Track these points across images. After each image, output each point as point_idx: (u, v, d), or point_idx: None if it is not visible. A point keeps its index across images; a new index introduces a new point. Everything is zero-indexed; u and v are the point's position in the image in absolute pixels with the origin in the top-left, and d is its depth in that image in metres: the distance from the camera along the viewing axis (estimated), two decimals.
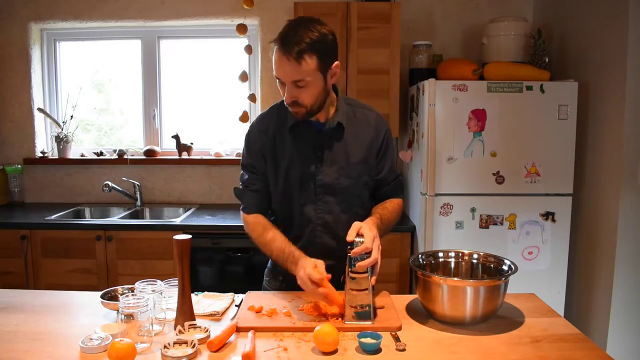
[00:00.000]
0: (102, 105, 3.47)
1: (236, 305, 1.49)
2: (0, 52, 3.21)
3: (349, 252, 1.35)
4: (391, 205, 1.63)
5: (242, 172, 1.66)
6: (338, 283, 1.40)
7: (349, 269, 1.34)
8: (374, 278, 1.35)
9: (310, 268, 1.37)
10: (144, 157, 3.24)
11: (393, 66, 2.78)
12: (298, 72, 1.40)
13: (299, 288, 1.54)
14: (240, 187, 1.66)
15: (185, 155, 3.24)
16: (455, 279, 1.36)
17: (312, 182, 1.56)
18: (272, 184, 1.61)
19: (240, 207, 1.66)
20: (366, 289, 1.34)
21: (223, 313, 1.44)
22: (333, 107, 1.57)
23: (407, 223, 2.76)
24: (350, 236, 1.36)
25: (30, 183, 3.31)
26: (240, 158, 3.44)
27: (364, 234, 1.36)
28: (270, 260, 1.74)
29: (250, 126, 1.66)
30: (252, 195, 1.62)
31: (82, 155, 3.33)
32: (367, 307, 1.34)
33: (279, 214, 1.64)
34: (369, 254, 1.34)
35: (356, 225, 1.38)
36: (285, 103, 1.50)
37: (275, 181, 1.60)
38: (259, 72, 3.20)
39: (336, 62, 1.47)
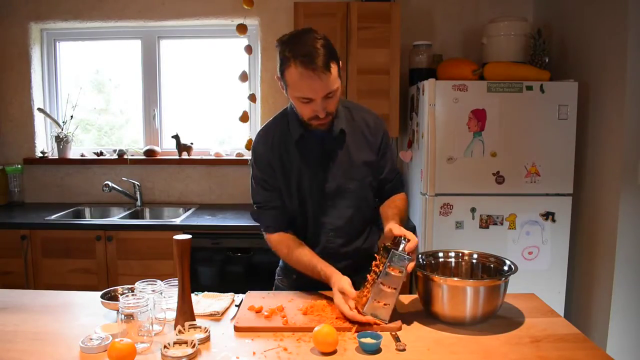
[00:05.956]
0: (102, 105, 3.47)
1: (236, 305, 1.49)
2: (0, 52, 3.21)
3: (388, 246, 1.35)
4: (400, 202, 1.65)
5: (253, 191, 1.63)
6: (355, 284, 1.41)
7: (388, 264, 1.32)
8: (412, 264, 1.33)
9: (340, 299, 1.37)
10: (144, 157, 3.24)
11: (393, 66, 2.78)
12: (329, 84, 1.38)
13: (312, 287, 1.56)
14: (255, 208, 1.63)
15: (185, 155, 3.23)
16: (455, 279, 1.36)
17: (322, 189, 1.57)
18: (286, 196, 1.60)
19: (261, 229, 1.64)
20: (395, 289, 1.33)
21: (223, 313, 1.44)
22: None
23: (407, 223, 2.75)
24: (398, 230, 1.36)
25: (30, 183, 3.31)
26: (240, 158, 3.45)
27: (406, 234, 1.35)
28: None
29: (255, 142, 1.63)
30: (270, 213, 1.60)
31: (82, 155, 3.33)
32: (388, 306, 1.33)
33: (298, 222, 1.63)
34: (409, 254, 1.33)
35: (391, 225, 1.39)
36: (309, 120, 1.47)
37: (288, 193, 1.59)
38: (259, 72, 3.20)
39: (340, 62, 1.48)
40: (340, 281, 1.40)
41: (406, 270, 1.32)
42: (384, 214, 1.60)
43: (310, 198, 1.58)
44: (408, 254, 1.32)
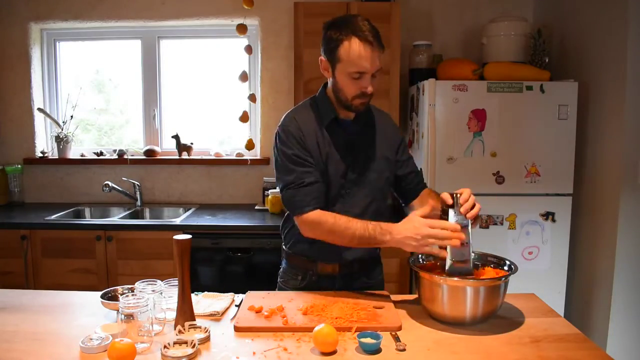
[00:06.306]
0: (102, 105, 3.47)
1: (236, 305, 1.49)
2: (0, 52, 3.21)
3: (445, 207, 1.39)
4: (431, 192, 1.70)
5: (281, 172, 1.55)
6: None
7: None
8: (474, 211, 1.39)
9: (423, 224, 1.37)
10: (144, 157, 3.24)
11: (393, 66, 2.77)
12: (380, 60, 1.49)
13: (320, 287, 1.58)
14: (287, 189, 1.52)
15: (185, 155, 3.23)
16: (455, 278, 1.36)
17: (344, 177, 1.59)
18: None
19: (296, 213, 1.51)
20: (467, 243, 1.36)
21: (223, 313, 1.44)
22: None
23: None
24: (448, 198, 1.39)
25: (30, 183, 3.31)
26: (240, 158, 3.43)
27: (457, 191, 1.40)
28: (284, 259, 1.74)
29: (285, 123, 1.57)
30: (306, 190, 1.49)
31: (82, 155, 3.33)
32: (468, 261, 1.37)
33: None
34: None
35: (442, 195, 1.42)
36: (356, 97, 1.51)
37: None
38: (259, 72, 3.20)
39: None
40: (415, 214, 1.43)
41: (470, 223, 1.37)
42: (424, 202, 1.63)
43: (331, 184, 1.59)
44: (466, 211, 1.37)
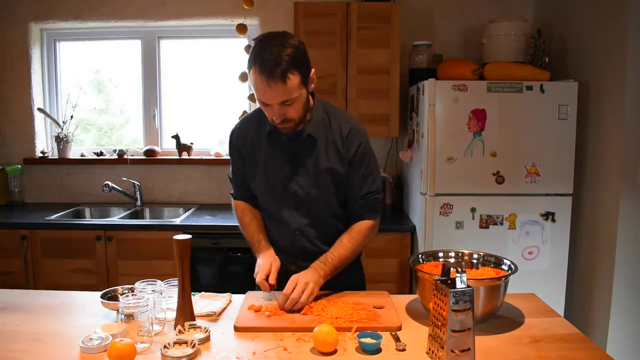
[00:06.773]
0: (102, 105, 3.47)
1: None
2: (0, 52, 3.21)
3: (439, 283, 1.16)
4: (356, 235, 1.59)
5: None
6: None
7: (452, 306, 1.10)
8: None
9: (258, 269, 1.52)
10: (144, 157, 3.24)
11: (393, 66, 2.78)
12: (285, 93, 1.39)
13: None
14: (229, 177, 1.78)
15: (185, 155, 3.24)
16: None
17: (285, 190, 1.58)
18: (252, 185, 1.66)
19: (231, 195, 1.80)
20: (470, 328, 1.12)
21: (220, 313, 1.44)
22: (309, 114, 1.55)
23: (407, 223, 2.76)
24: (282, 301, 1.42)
25: (30, 183, 3.31)
26: None
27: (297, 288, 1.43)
28: None
29: (236, 125, 1.70)
30: (234, 184, 1.75)
31: (82, 155, 3.33)
32: (470, 350, 1.12)
33: (267, 214, 1.69)
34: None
35: (292, 280, 1.45)
36: (272, 122, 1.48)
37: (254, 182, 1.65)
38: None
39: (313, 70, 1.47)
40: (275, 260, 1.54)
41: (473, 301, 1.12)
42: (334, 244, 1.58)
43: (274, 194, 1.61)
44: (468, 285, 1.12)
